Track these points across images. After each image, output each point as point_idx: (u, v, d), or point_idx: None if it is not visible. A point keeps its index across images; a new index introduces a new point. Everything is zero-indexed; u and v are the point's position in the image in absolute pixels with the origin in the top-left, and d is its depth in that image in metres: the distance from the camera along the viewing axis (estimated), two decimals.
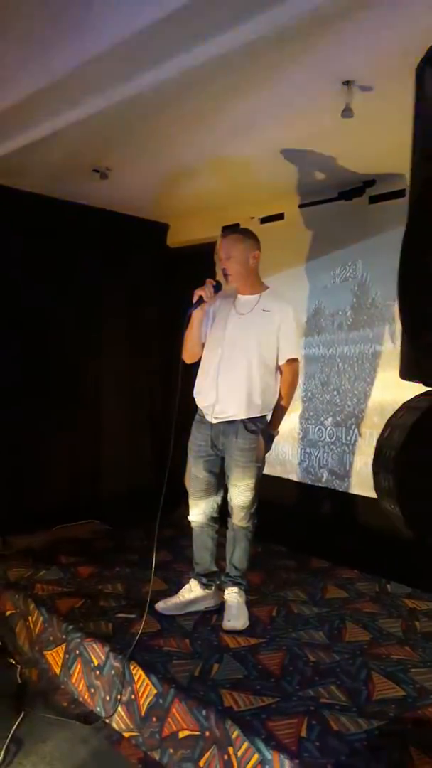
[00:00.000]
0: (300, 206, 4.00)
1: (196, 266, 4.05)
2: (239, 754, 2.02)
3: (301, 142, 3.15)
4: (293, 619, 2.92)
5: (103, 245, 4.41)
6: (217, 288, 2.85)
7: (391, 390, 3.51)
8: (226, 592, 2.91)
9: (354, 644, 2.67)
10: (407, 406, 1.20)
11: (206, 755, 2.11)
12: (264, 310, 2.88)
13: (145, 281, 4.71)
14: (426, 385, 1.13)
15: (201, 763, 2.12)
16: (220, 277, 2.95)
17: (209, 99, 2.68)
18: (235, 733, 2.05)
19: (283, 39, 2.16)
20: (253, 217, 4.17)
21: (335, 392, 3.83)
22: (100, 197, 4.15)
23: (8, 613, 3.18)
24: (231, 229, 3.04)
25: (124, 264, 4.54)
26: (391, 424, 1.20)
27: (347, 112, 2.51)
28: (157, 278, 4.78)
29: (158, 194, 4.12)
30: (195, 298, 2.81)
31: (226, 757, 2.05)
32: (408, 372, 1.15)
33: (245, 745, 2.01)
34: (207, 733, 2.14)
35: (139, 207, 4.45)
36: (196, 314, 2.85)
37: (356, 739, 1.99)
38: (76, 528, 4.19)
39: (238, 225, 4.01)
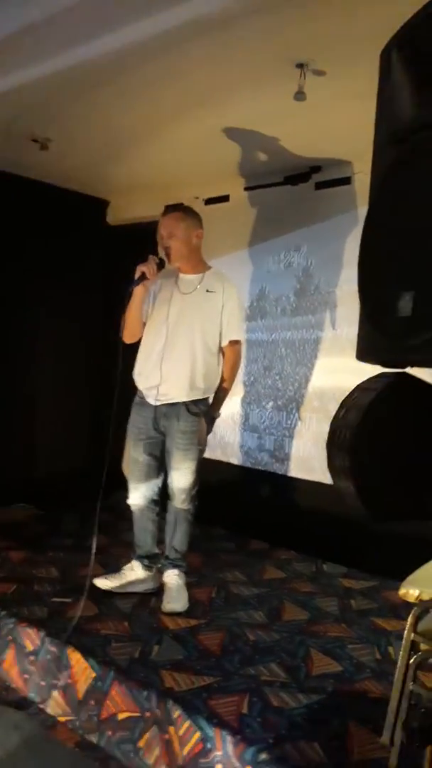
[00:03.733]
0: (245, 189, 3.99)
1: (138, 245, 3.96)
2: (180, 732, 2.02)
3: (250, 124, 3.12)
4: (233, 600, 2.94)
5: (41, 219, 4.25)
6: (160, 265, 2.80)
7: (330, 375, 3.58)
8: (166, 574, 2.90)
9: (292, 623, 2.72)
10: (361, 388, 1.22)
11: (146, 735, 2.10)
12: (207, 291, 2.86)
13: (84, 258, 4.58)
14: (383, 366, 1.15)
15: (140, 744, 2.11)
16: (163, 256, 2.91)
17: (154, 74, 2.61)
18: (177, 712, 2.04)
19: (233, 18, 2.13)
20: (198, 198, 4.12)
21: (277, 377, 3.86)
22: (39, 170, 3.99)
23: None
24: (173, 207, 2.98)
25: (62, 239, 4.39)
26: (346, 405, 1.21)
27: (300, 95, 2.50)
28: (96, 255, 4.66)
29: (99, 169, 4.01)
30: (137, 274, 2.74)
31: (166, 736, 2.05)
32: (365, 354, 1.16)
33: (187, 723, 2.01)
34: (147, 714, 2.13)
35: (79, 181, 4.31)
36: (138, 291, 2.78)
37: (296, 713, 2.03)
38: (7, 513, 4.06)
39: (182, 204, 3.95)
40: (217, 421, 3.07)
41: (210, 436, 3.04)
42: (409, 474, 1.13)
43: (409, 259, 1.03)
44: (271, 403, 3.88)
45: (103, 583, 2.88)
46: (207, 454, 3.75)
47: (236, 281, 3.49)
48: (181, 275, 2.90)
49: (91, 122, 3.20)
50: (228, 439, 4.03)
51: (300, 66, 2.43)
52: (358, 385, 1.24)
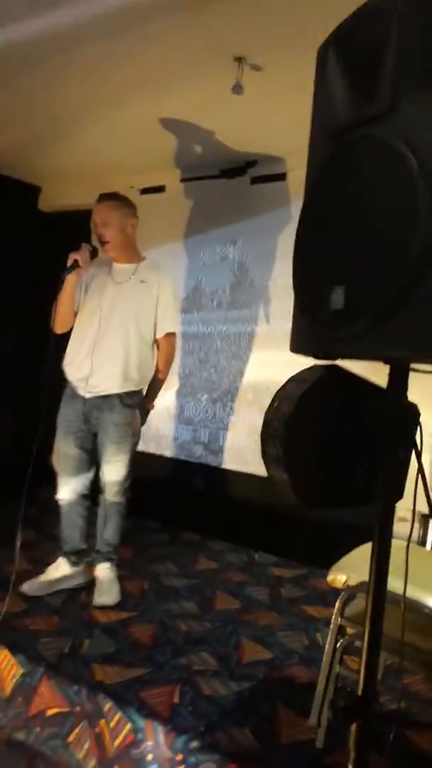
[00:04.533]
0: (182, 180, 3.98)
1: (71, 232, 3.87)
2: (111, 725, 2.00)
3: (187, 115, 3.11)
4: (164, 592, 2.94)
5: None
6: (93, 254, 2.75)
7: (264, 368, 3.63)
8: (98, 568, 2.86)
9: (224, 612, 2.75)
10: (294, 379, 1.24)
11: (76, 730, 2.07)
12: (141, 281, 2.83)
13: (14, 245, 4.43)
14: (315, 358, 1.17)
15: (70, 738, 2.08)
16: (96, 244, 2.86)
17: (89, 59, 2.56)
18: (108, 705, 2.03)
19: (171, 7, 2.11)
20: (133, 187, 4.07)
21: (212, 369, 3.88)
22: None
23: None
24: (108, 195, 2.94)
25: None
26: (279, 396, 1.22)
27: (237, 88, 2.51)
28: (27, 243, 4.52)
29: (31, 154, 3.89)
30: (70, 262, 2.68)
31: (97, 729, 2.03)
32: (298, 346, 1.19)
33: (117, 716, 2.00)
34: (78, 709, 2.10)
35: (9, 166, 4.16)
36: (70, 279, 2.72)
37: (227, 701, 2.06)
38: None
39: (116, 192, 3.89)
40: (152, 414, 3.05)
41: (144, 429, 3.02)
42: (339, 463, 1.16)
43: (341, 254, 1.05)
44: (206, 396, 3.90)
45: (29, 588, 2.79)
46: (140, 447, 3.72)
47: (172, 273, 3.47)
48: (115, 265, 2.86)
49: (21, 106, 3.10)
50: (162, 431, 4.01)
51: (238, 60, 2.44)
52: (291, 377, 1.26)
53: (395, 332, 0.97)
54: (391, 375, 1.13)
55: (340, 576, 1.69)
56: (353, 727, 1.12)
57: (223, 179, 3.76)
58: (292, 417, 1.17)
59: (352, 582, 1.65)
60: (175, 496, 3.88)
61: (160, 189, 4.05)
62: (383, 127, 0.97)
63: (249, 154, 3.57)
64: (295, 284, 1.19)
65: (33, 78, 2.79)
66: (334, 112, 1.10)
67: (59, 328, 2.83)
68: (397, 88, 0.96)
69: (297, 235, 1.19)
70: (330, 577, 1.72)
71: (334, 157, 1.09)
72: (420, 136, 0.93)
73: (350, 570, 1.69)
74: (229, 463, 3.76)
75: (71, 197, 4.34)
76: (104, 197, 2.96)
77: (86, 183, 4.13)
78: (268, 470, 1.24)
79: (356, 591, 1.63)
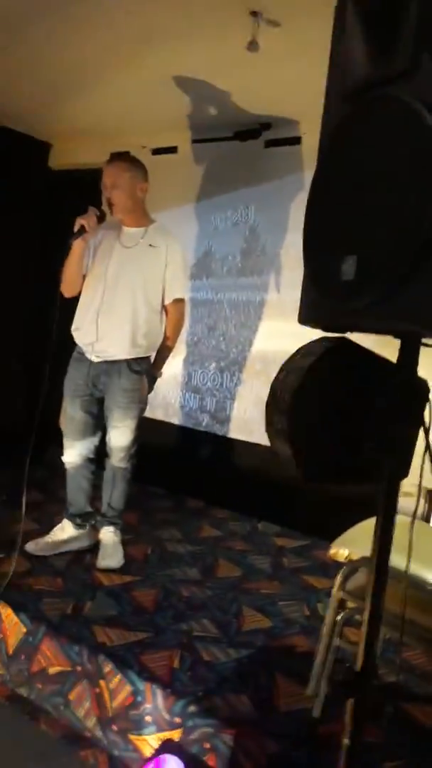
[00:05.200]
0: (194, 141, 3.87)
1: (82, 193, 3.80)
2: (111, 686, 2.04)
3: (200, 73, 3.01)
4: (168, 557, 2.97)
5: None
6: (101, 218, 2.70)
7: (273, 339, 3.58)
8: (102, 531, 2.89)
9: (226, 580, 2.78)
10: (302, 351, 1.21)
11: (77, 689, 2.12)
12: (150, 245, 2.78)
13: (23, 202, 4.35)
14: (324, 330, 1.14)
15: (71, 697, 2.13)
16: (105, 206, 2.80)
17: (101, 12, 2.46)
18: (108, 667, 2.06)
19: None
20: (145, 147, 3.97)
21: (221, 338, 3.84)
22: None
23: None
24: (119, 156, 2.87)
25: (1, 180, 4.15)
26: (287, 368, 1.20)
27: (253, 45, 2.41)
28: (37, 200, 4.44)
29: (43, 110, 3.79)
30: (76, 227, 2.63)
31: (97, 690, 2.07)
32: (307, 318, 1.15)
33: (117, 677, 2.03)
34: (78, 668, 2.13)
35: (20, 120, 4.06)
36: (77, 244, 2.68)
37: (226, 667, 2.09)
38: None
39: (128, 153, 3.80)
40: (159, 381, 3.03)
41: (151, 396, 3.01)
42: (344, 438, 1.14)
43: (354, 223, 1.01)
44: (213, 364, 3.87)
45: (34, 548, 2.82)
46: (148, 414, 3.71)
47: (182, 237, 3.41)
48: (124, 228, 2.81)
49: (33, 61, 3.02)
50: (169, 399, 4.00)
51: (254, 14, 2.34)
52: (299, 349, 1.23)
53: (407, 305, 0.94)
54: (401, 350, 1.09)
55: (342, 550, 1.68)
56: (350, 702, 1.12)
57: (237, 141, 3.66)
58: (299, 389, 1.14)
59: (354, 556, 1.64)
60: (181, 463, 3.88)
61: (172, 150, 3.95)
62: (403, 87, 0.92)
63: (263, 116, 3.46)
64: (305, 252, 1.14)
65: (45, 32, 2.70)
66: (351, 70, 1.04)
67: (68, 293, 2.82)
68: (419, 44, 0.90)
69: (308, 200, 1.14)
70: (332, 551, 1.71)
71: (348, 119, 1.03)
72: None
73: (353, 544, 1.69)
74: (235, 432, 3.75)
75: (82, 155, 4.26)
76: (114, 158, 2.90)
77: (97, 141, 4.05)
78: (271, 442, 1.22)
79: (358, 566, 1.62)
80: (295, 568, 2.96)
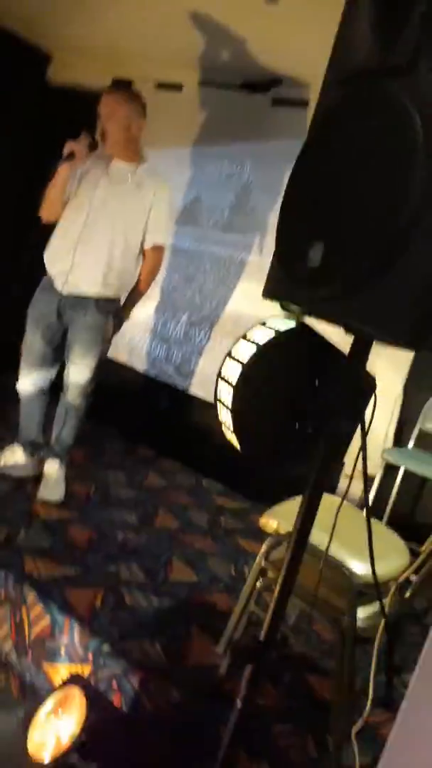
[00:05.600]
0: (200, 83, 3.73)
1: (79, 114, 3.63)
2: (32, 615, 2.08)
3: (218, 14, 2.87)
4: (109, 499, 3.00)
5: None
6: (93, 146, 2.61)
7: (249, 302, 3.56)
8: (47, 463, 2.89)
9: (162, 530, 2.83)
10: (261, 326, 1.20)
11: None
12: (138, 185, 2.71)
13: (17, 115, 4.14)
14: (282, 308, 1.13)
15: None
16: (99, 136, 2.70)
17: None
18: (31, 596, 2.10)
19: None
20: (148, 81, 3.80)
21: (197, 290, 3.80)
22: None
23: None
24: (119, 87, 2.75)
25: None
26: (243, 339, 1.20)
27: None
28: (31, 115, 4.23)
29: (46, 15, 3.57)
30: (66, 151, 2.55)
31: (18, 617, 2.11)
32: (269, 293, 1.14)
33: (39, 607, 2.07)
34: (2, 594, 2.17)
35: (21, 21, 3.81)
36: (64, 169, 2.60)
37: (145, 614, 2.15)
38: None
39: (131, 83, 3.64)
40: (129, 324, 3.00)
41: (118, 337, 2.98)
42: (286, 421, 1.15)
43: (328, 210, 0.99)
44: (185, 317, 3.83)
45: None
46: (112, 354, 3.69)
47: (173, 181, 3.32)
48: (114, 162, 2.72)
49: None
50: (136, 343, 3.97)
51: None
52: (258, 323, 1.22)
53: (364, 305, 0.94)
54: (352, 345, 1.09)
55: (272, 521, 1.72)
56: (248, 668, 1.17)
57: (243, 93, 3.53)
58: (249, 365, 1.14)
59: (282, 530, 1.68)
60: (138, 409, 3.89)
61: (177, 87, 3.80)
62: (398, 83, 0.89)
63: (274, 72, 3.34)
64: (278, 229, 1.13)
65: None
66: (352, 54, 1.01)
67: (47, 217, 2.75)
68: (419, 43, 0.88)
69: (290, 177, 1.12)
70: (262, 521, 1.75)
71: (341, 104, 1.01)
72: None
73: (282, 517, 1.73)
74: (196, 388, 3.76)
75: (83, 75, 4.05)
76: (115, 89, 2.79)
77: (101, 62, 3.87)
78: (218, 411, 1.23)
79: (283, 539, 1.67)
80: (231, 529, 3.03)
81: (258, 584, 1.74)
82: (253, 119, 3.55)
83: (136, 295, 2.89)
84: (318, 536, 1.26)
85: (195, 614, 2.21)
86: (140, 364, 3.98)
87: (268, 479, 2.86)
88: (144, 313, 3.80)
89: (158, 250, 2.84)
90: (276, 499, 1.93)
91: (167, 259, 3.74)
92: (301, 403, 1.15)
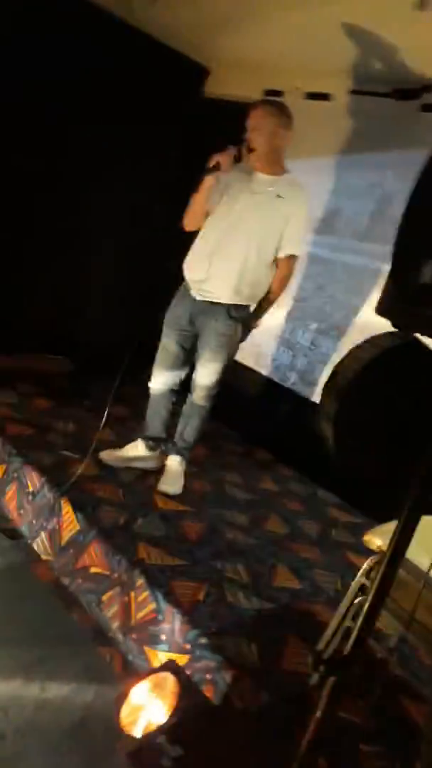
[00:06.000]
0: (350, 92, 3.69)
1: (231, 126, 3.77)
2: (139, 599, 2.21)
3: (367, 21, 2.84)
4: (223, 498, 3.08)
5: (135, 71, 4.01)
6: (238, 158, 2.70)
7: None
8: (169, 458, 3.03)
9: (271, 534, 2.86)
10: (370, 341, 1.20)
11: (109, 593, 2.31)
12: (278, 196, 2.76)
13: (171, 125, 4.36)
14: (393, 326, 1.12)
15: (103, 598, 2.32)
16: (245, 148, 2.78)
17: None
18: (140, 581, 2.23)
19: None
20: (299, 89, 3.84)
21: (328, 299, 3.77)
22: (147, 19, 3.75)
23: None
24: (268, 101, 2.82)
25: (154, 101, 4.16)
26: (352, 353, 1.20)
27: (424, 4, 2.25)
28: (185, 125, 4.42)
29: (206, 34, 3.73)
30: (211, 163, 2.66)
31: (126, 599, 2.25)
32: (382, 309, 1.13)
33: (146, 593, 2.19)
34: (115, 575, 2.32)
35: (181, 40, 4.02)
36: (208, 180, 2.71)
37: (246, 613, 2.19)
38: (44, 360, 4.16)
39: (281, 93, 3.70)
40: (257, 330, 3.06)
41: (246, 343, 3.05)
42: (388, 441, 1.14)
43: None
44: (314, 325, 3.82)
45: (106, 457, 3.01)
46: (240, 359, 3.77)
47: (312, 189, 3.32)
48: (256, 173, 2.80)
49: None
50: (263, 349, 4.02)
51: None
52: (370, 337, 1.22)
53: None
54: None
55: (375, 539, 1.69)
56: (330, 680, 1.17)
57: (391, 101, 3.45)
58: (355, 379, 1.15)
59: (385, 548, 1.64)
60: (260, 414, 3.93)
61: (324, 96, 3.79)
62: None
63: (425, 78, 3.23)
64: (394, 245, 1.12)
65: None
66: None
67: (189, 226, 2.89)
68: None
69: (412, 190, 1.11)
70: (366, 538, 1.73)
71: None
72: None
73: (386, 536, 1.68)
74: (319, 397, 3.72)
75: (237, 87, 4.18)
76: (263, 102, 2.86)
77: (254, 75, 3.96)
78: (319, 422, 1.24)
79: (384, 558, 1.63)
80: (341, 542, 2.99)
81: (356, 601, 1.71)
82: (401, 127, 3.46)
83: (266, 303, 2.94)
84: (419, 557, 1.23)
85: (294, 622, 2.22)
86: (265, 370, 4.03)
87: (387, 496, 2.78)
88: (273, 320, 3.84)
89: (292, 259, 2.87)
90: (392, 516, 1.88)
91: (301, 267, 3.75)
92: (405, 422, 1.13)
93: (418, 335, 1.14)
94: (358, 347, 1.21)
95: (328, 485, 3.54)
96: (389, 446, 1.12)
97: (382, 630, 1.83)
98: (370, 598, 1.13)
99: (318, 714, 1.19)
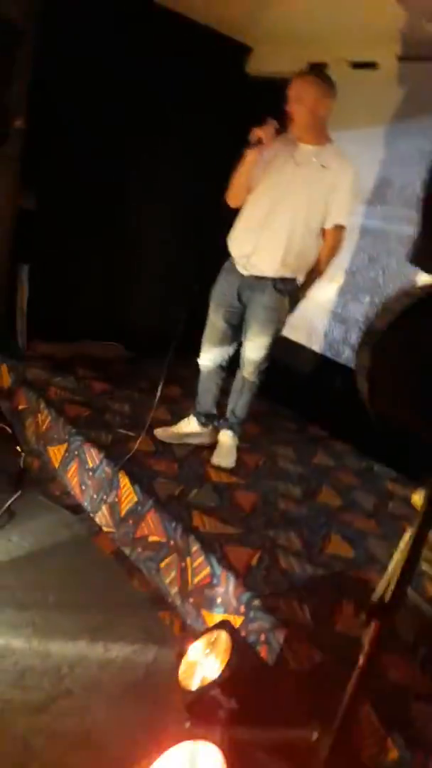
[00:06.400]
0: (399, 59, 3.61)
1: (277, 102, 3.76)
2: (195, 565, 2.28)
3: None
4: (276, 472, 3.11)
5: (177, 56, 4.04)
6: (279, 130, 2.70)
7: None
8: (222, 433, 3.08)
9: (325, 506, 2.87)
10: (403, 292, 1.20)
11: (167, 559, 2.40)
12: (322, 166, 2.74)
13: (215, 107, 4.37)
14: (425, 272, 1.12)
15: (162, 565, 2.41)
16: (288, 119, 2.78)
17: None
18: (195, 547, 2.30)
19: None
20: (345, 59, 3.77)
21: (381, 271, 3.71)
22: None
23: (21, 407, 3.42)
24: (307, 71, 2.80)
25: (196, 83, 4.18)
26: (385, 305, 1.20)
27: None
28: (230, 106, 4.43)
29: (245, 10, 3.72)
30: (253, 138, 2.67)
31: (183, 564, 2.32)
32: (414, 258, 1.14)
33: (201, 559, 2.26)
34: (172, 543, 2.40)
35: (223, 20, 4.02)
36: (250, 155, 2.73)
37: (298, 578, 2.23)
38: (100, 347, 4.30)
39: (319, 68, 3.66)
40: (308, 305, 3.06)
41: (297, 319, 3.05)
42: (424, 390, 1.14)
43: None
44: (368, 298, 3.77)
45: (161, 433, 3.09)
46: (291, 336, 3.78)
47: (363, 160, 3.27)
48: (300, 145, 2.79)
49: None
50: (315, 324, 4.00)
51: None
52: (402, 290, 1.22)
53: None
54: None
55: (419, 497, 1.68)
56: (374, 624, 1.19)
57: None
58: (388, 329, 1.15)
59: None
60: (314, 390, 3.92)
61: (371, 65, 3.72)
62: None
63: None
64: (424, 196, 1.12)
65: None
66: None
67: (233, 202, 2.91)
68: None
69: None
70: (414, 497, 1.72)
71: None
72: None
73: None
74: None
75: (281, 63, 4.13)
76: (303, 72, 2.85)
77: (298, 49, 3.90)
78: (357, 378, 1.25)
79: None
80: (398, 514, 2.96)
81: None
82: None
83: (314, 274, 2.93)
84: None
85: (347, 588, 2.23)
86: (318, 346, 4.01)
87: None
88: (325, 294, 3.82)
89: (339, 230, 2.84)
90: None
91: (352, 240, 3.70)
92: None
93: None
94: (391, 299, 1.21)
95: (385, 460, 3.51)
96: (425, 397, 1.13)
97: None
98: (407, 545, 1.15)
99: (361, 661, 1.22)
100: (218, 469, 2.94)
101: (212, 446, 3.09)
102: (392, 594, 1.17)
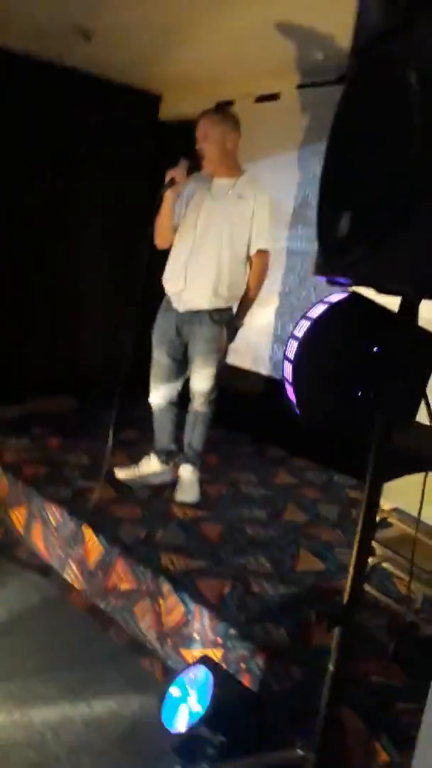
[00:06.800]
0: (297, 87, 3.79)
1: (189, 143, 3.89)
2: (168, 605, 2.26)
3: (301, 16, 2.93)
4: (240, 498, 3.12)
5: (90, 113, 4.18)
6: (192, 169, 2.79)
7: (366, 294, 3.50)
8: (181, 468, 3.08)
9: (291, 523, 2.89)
10: (321, 300, 1.25)
11: (140, 604, 2.36)
12: (239, 196, 2.84)
13: (133, 155, 4.51)
14: (329, 283, 1.17)
15: (135, 611, 2.38)
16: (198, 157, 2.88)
17: None
18: (166, 588, 2.28)
19: None
20: (249, 95, 3.95)
21: (312, 288, 3.82)
22: (90, 61, 3.91)
23: None
24: (210, 110, 2.93)
25: (112, 135, 4.32)
26: (304, 316, 1.26)
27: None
28: (147, 153, 4.57)
29: (151, 63, 3.88)
30: (167, 179, 2.75)
31: (156, 607, 2.30)
32: (317, 269, 1.19)
33: (173, 598, 2.24)
34: (143, 587, 2.37)
35: (130, 74, 4.18)
36: (169, 195, 2.81)
37: (272, 600, 2.22)
38: (51, 402, 4.29)
39: (232, 102, 3.82)
40: (249, 331, 3.12)
41: (242, 345, 3.11)
42: (347, 388, 1.18)
43: (351, 179, 1.03)
44: None
45: (123, 475, 3.08)
46: (237, 362, 3.82)
47: (280, 185, 3.38)
48: (214, 180, 2.89)
49: (135, 13, 3.09)
50: (259, 348, 4.07)
51: None
52: (319, 300, 1.27)
53: (390, 263, 0.96)
54: (400, 305, 1.11)
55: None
56: (336, 631, 1.21)
57: (341, 86, 3.52)
58: (305, 340, 1.20)
59: (386, 507, 1.68)
60: (266, 412, 3.93)
61: (274, 97, 3.90)
62: (394, 45, 0.92)
63: None
64: (317, 210, 1.18)
65: None
66: (364, 22, 1.05)
67: (161, 244, 2.97)
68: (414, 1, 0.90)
69: (324, 160, 1.17)
70: None
71: (355, 75, 1.05)
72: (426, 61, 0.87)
73: (388, 495, 1.72)
74: None
75: (189, 106, 4.30)
76: (206, 112, 2.96)
77: (205, 90, 4.07)
78: (285, 389, 1.29)
79: (385, 516, 1.67)
80: None
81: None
82: None
83: (247, 301, 3.00)
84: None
85: (320, 600, 2.24)
86: (264, 369, 4.07)
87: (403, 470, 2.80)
88: (264, 318, 3.91)
89: (263, 254, 2.94)
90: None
91: (281, 262, 3.83)
92: (361, 370, 1.18)
93: (355, 289, 1.19)
94: (307, 311, 1.26)
95: (344, 469, 3.56)
96: (345, 396, 1.17)
97: (410, 595, 1.86)
98: (355, 545, 1.17)
99: (331, 667, 1.23)
100: (183, 505, 2.93)
101: (174, 483, 3.08)
102: (348, 597, 1.19)
